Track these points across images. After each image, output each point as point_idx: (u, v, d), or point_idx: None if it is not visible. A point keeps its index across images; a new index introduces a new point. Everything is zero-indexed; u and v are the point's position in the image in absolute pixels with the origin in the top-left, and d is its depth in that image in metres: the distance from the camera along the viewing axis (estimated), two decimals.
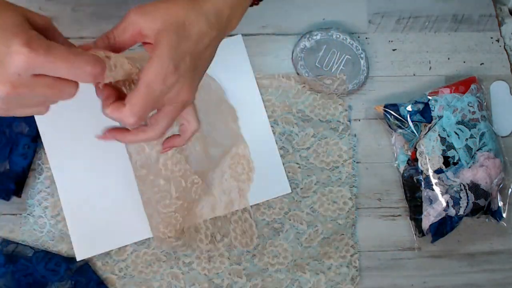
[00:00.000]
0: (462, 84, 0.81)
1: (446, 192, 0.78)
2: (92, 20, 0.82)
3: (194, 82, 0.53)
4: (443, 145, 0.78)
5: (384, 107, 0.81)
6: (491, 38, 0.87)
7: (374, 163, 0.84)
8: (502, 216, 0.82)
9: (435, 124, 0.79)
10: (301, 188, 0.81)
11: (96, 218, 0.77)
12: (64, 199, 0.77)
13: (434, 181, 0.78)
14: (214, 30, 0.52)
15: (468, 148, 0.79)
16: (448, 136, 0.79)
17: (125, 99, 0.50)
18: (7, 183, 0.77)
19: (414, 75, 0.85)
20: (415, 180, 0.81)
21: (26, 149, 0.78)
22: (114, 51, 0.50)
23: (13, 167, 0.77)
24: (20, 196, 0.78)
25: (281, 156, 0.81)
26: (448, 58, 0.86)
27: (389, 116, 0.81)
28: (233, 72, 0.81)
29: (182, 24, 0.50)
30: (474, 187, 0.78)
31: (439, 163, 0.78)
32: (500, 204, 0.82)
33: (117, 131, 0.55)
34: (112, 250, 0.79)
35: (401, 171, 0.83)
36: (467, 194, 0.78)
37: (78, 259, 0.77)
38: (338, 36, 0.83)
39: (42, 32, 0.46)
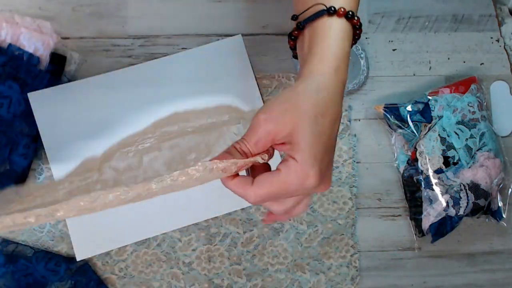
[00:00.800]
0: (462, 84, 0.81)
1: (446, 192, 0.78)
2: (92, 20, 0.82)
3: (330, 173, 0.51)
4: (443, 145, 0.78)
5: (384, 107, 0.81)
6: (491, 38, 0.87)
7: (374, 163, 0.84)
8: (502, 216, 0.82)
9: (435, 124, 0.79)
10: None
11: (96, 218, 0.77)
12: None
13: (434, 181, 0.78)
14: (341, 101, 0.51)
15: (468, 148, 0.79)
16: (448, 136, 0.79)
17: (255, 178, 0.49)
18: (7, 184, 0.77)
19: (414, 75, 0.85)
20: (415, 180, 0.81)
21: (26, 149, 0.78)
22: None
23: (13, 167, 0.77)
24: None
25: (281, 156, 0.81)
26: (448, 58, 0.86)
27: (389, 116, 0.81)
28: (233, 72, 0.81)
29: (314, 119, 0.48)
30: (474, 187, 0.78)
31: (439, 163, 0.78)
32: (500, 204, 0.82)
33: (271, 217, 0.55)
34: (112, 250, 0.79)
35: (401, 171, 0.83)
36: (467, 194, 0.78)
37: (78, 259, 0.77)
38: None
39: None
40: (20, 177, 0.78)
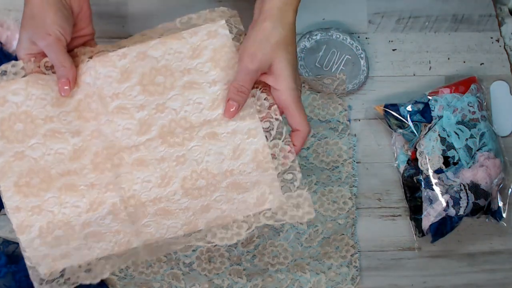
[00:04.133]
0: (462, 84, 0.81)
1: (446, 192, 0.78)
2: (92, 20, 0.82)
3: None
4: (443, 145, 0.78)
5: (384, 107, 0.81)
6: (491, 38, 0.87)
7: (374, 163, 0.84)
8: (502, 216, 0.82)
9: (435, 124, 0.79)
10: None
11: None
12: None
13: (434, 181, 0.79)
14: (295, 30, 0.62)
15: (468, 148, 0.79)
16: (448, 136, 0.79)
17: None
18: None
19: (414, 75, 0.86)
20: (415, 180, 0.81)
21: None
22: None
23: None
24: None
25: None
26: (448, 58, 0.86)
27: (389, 116, 0.81)
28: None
29: (286, 49, 0.59)
30: (474, 187, 0.78)
31: (439, 163, 0.78)
32: (500, 204, 0.82)
33: None
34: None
35: (401, 171, 0.83)
36: (467, 194, 0.78)
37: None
38: (338, 36, 0.83)
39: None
40: None
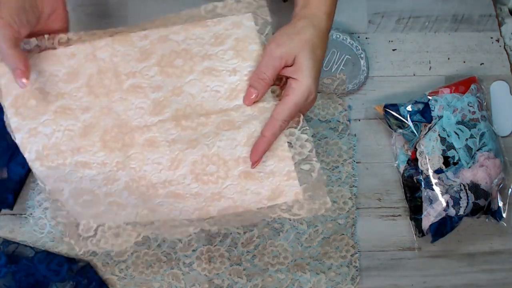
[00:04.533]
0: (462, 84, 0.81)
1: (446, 192, 0.78)
2: (92, 20, 0.82)
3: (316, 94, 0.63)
4: (443, 145, 0.78)
5: (384, 107, 0.81)
6: (491, 38, 0.87)
7: (374, 163, 0.84)
8: (502, 216, 0.82)
9: (435, 124, 0.79)
10: None
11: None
12: None
13: (434, 181, 0.79)
14: (327, 43, 0.64)
15: (468, 148, 0.79)
16: (448, 136, 0.79)
17: (273, 112, 0.60)
18: (4, 193, 0.77)
19: (414, 75, 0.86)
20: (415, 180, 0.81)
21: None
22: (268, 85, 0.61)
23: (11, 175, 0.77)
24: (12, 208, 0.78)
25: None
26: (448, 58, 0.86)
27: (389, 116, 0.81)
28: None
29: (312, 48, 0.60)
30: (474, 187, 0.78)
31: (439, 163, 0.78)
32: (500, 204, 0.82)
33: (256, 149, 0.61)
34: (112, 251, 0.79)
35: (401, 171, 0.83)
36: (467, 194, 0.78)
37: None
38: (338, 36, 0.83)
39: None
40: (17, 186, 0.77)
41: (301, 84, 0.59)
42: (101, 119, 0.60)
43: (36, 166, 0.61)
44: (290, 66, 0.60)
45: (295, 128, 0.61)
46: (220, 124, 0.60)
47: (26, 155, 0.61)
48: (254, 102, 0.60)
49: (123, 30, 0.62)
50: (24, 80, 0.56)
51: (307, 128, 0.61)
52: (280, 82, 0.62)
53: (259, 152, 0.59)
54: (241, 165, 0.60)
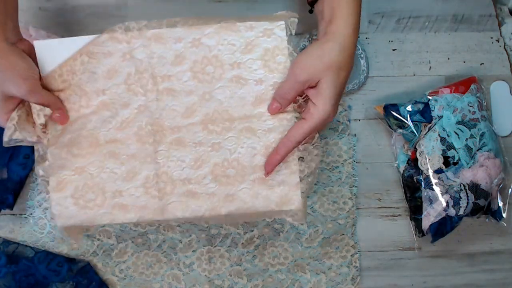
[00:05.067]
0: (462, 84, 0.81)
1: (446, 192, 0.78)
2: (92, 20, 0.82)
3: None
4: (443, 145, 0.78)
5: (384, 107, 0.81)
6: (491, 38, 0.87)
7: (374, 163, 0.84)
8: (502, 216, 0.82)
9: (435, 124, 0.79)
10: None
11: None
12: None
13: (434, 181, 0.79)
14: (354, 55, 0.64)
15: (468, 148, 0.79)
16: (448, 136, 0.79)
17: (288, 131, 0.65)
18: (4, 194, 0.77)
19: (414, 75, 0.85)
20: (415, 180, 0.81)
21: (26, 159, 0.78)
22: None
23: (11, 175, 0.77)
24: (12, 209, 0.78)
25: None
26: (448, 58, 0.86)
27: (389, 116, 0.81)
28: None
29: (337, 73, 0.62)
30: (474, 187, 0.78)
31: (439, 163, 0.78)
32: (500, 204, 0.82)
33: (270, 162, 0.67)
34: (113, 251, 0.79)
35: (401, 171, 0.83)
36: (467, 194, 0.78)
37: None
38: None
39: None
40: (17, 186, 0.77)
41: (319, 111, 0.62)
42: (137, 116, 0.66)
43: (56, 152, 0.66)
44: (313, 87, 0.62)
45: (310, 144, 0.66)
46: (243, 130, 0.66)
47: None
48: (276, 112, 0.65)
49: (155, 26, 0.66)
50: (63, 118, 0.65)
51: (319, 144, 0.66)
52: (303, 93, 0.65)
53: (272, 166, 0.65)
54: (257, 172, 0.66)
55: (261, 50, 0.66)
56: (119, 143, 0.66)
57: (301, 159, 0.66)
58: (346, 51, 0.62)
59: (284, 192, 0.67)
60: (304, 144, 0.66)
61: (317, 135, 0.66)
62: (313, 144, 0.66)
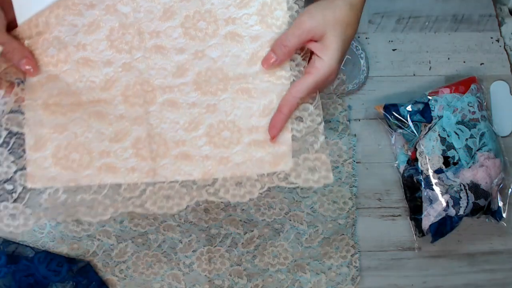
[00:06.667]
0: (462, 84, 0.81)
1: (446, 192, 0.78)
2: None
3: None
4: (443, 145, 0.78)
5: (384, 107, 0.81)
6: (491, 38, 0.87)
7: (374, 163, 0.84)
8: (502, 216, 0.82)
9: (435, 124, 0.79)
10: (301, 188, 0.81)
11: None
12: None
13: (434, 181, 0.79)
14: (359, 19, 0.62)
15: (468, 148, 0.79)
16: (448, 136, 0.79)
17: (292, 85, 0.60)
18: None
19: (414, 75, 0.85)
20: (415, 180, 0.81)
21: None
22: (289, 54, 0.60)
23: None
24: None
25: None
26: (448, 58, 0.86)
27: (389, 116, 0.81)
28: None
29: (345, 28, 0.59)
30: (474, 187, 0.78)
31: (439, 163, 0.78)
32: (500, 204, 0.82)
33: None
34: (113, 251, 0.79)
35: (401, 171, 0.83)
36: (467, 194, 0.78)
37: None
38: None
39: None
40: None
41: (324, 65, 0.59)
42: (122, 74, 0.61)
43: (35, 110, 0.62)
44: (316, 41, 0.59)
45: (310, 103, 0.62)
46: (238, 91, 0.61)
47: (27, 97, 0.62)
48: (271, 67, 0.61)
49: None
50: (28, 67, 0.59)
51: (320, 103, 0.61)
52: (302, 51, 0.61)
53: (277, 128, 0.61)
54: (253, 134, 0.62)
55: (258, 5, 0.61)
56: (104, 103, 0.61)
57: (298, 118, 0.61)
58: (354, 10, 0.60)
59: (278, 152, 0.62)
60: (303, 103, 0.61)
61: (318, 94, 0.61)
62: (314, 105, 0.61)
